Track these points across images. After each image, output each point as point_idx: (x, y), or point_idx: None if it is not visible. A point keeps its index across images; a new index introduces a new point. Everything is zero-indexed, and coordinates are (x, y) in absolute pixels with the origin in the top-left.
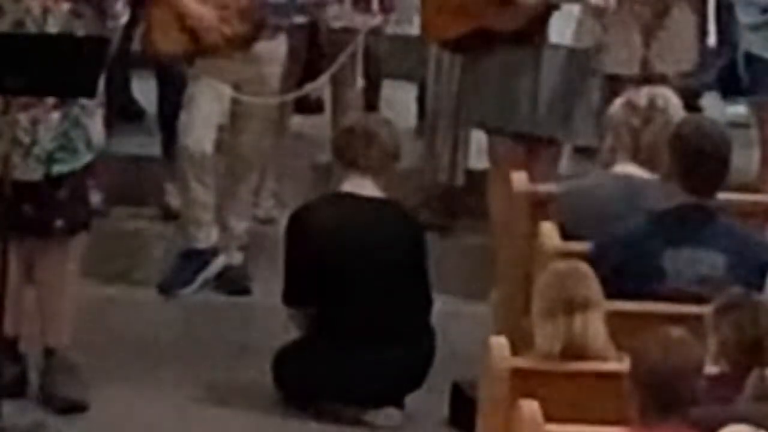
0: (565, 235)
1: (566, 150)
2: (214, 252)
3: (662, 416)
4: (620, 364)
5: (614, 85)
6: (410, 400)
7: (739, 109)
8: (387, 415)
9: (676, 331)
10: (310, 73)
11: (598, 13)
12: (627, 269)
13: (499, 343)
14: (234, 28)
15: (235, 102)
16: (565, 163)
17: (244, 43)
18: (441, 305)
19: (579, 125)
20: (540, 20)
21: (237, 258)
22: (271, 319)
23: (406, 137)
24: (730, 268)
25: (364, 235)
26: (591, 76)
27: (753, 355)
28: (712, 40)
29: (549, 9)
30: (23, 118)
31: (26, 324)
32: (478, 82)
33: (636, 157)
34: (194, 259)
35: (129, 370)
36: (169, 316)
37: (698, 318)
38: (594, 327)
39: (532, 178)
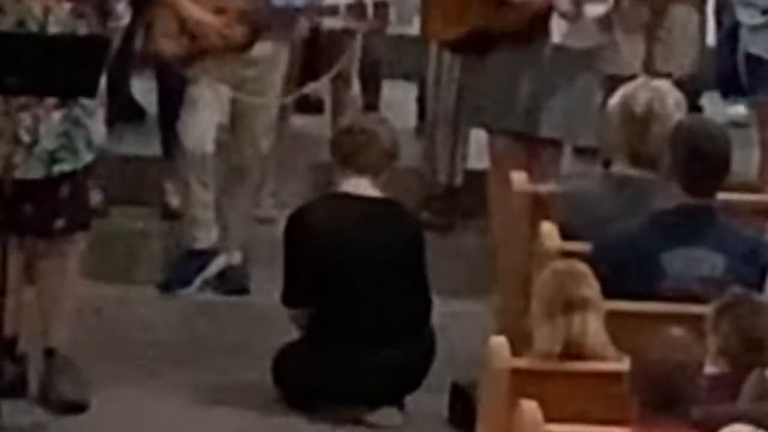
0: (565, 235)
1: (567, 150)
2: (214, 252)
3: (662, 416)
4: (620, 364)
5: (615, 85)
6: (410, 400)
7: (739, 109)
8: (387, 415)
9: (676, 331)
10: (310, 73)
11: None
12: (627, 269)
13: (499, 343)
14: (233, 30)
15: (235, 102)
16: (565, 163)
17: (244, 45)
18: (441, 305)
19: (579, 125)
20: (541, 20)
21: (237, 258)
22: (271, 319)
23: (406, 137)
24: (730, 268)
25: (364, 235)
26: (592, 76)
27: (753, 354)
28: (712, 40)
29: (550, 9)
30: (25, 117)
31: (26, 324)
32: (479, 82)
33: (635, 159)
34: (194, 259)
35: (129, 370)
36: (169, 316)
37: (698, 318)
38: (593, 327)
39: (533, 178)
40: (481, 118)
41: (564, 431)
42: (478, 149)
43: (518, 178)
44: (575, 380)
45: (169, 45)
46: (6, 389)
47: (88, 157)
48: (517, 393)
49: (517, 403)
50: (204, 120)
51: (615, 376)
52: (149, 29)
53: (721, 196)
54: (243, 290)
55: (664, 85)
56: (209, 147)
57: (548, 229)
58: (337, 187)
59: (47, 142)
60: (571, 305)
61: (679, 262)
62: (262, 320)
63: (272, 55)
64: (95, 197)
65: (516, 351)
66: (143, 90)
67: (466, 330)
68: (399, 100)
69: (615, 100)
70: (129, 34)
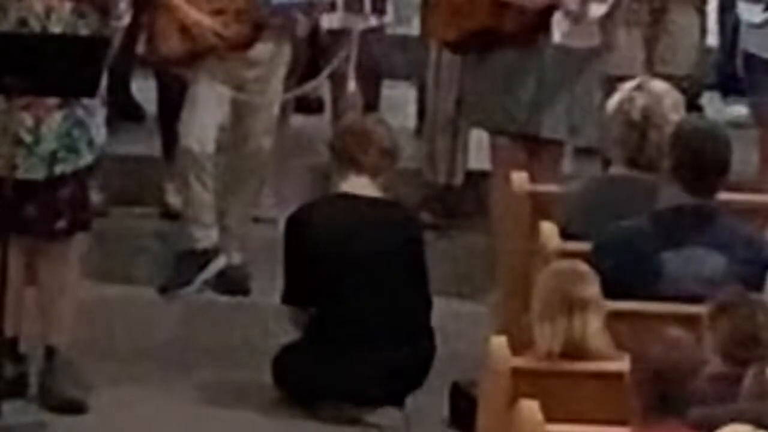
0: (565, 235)
1: (568, 150)
2: (214, 252)
3: (662, 416)
4: (620, 364)
5: (616, 85)
6: (410, 400)
7: (739, 109)
8: (387, 415)
9: (676, 331)
10: (310, 73)
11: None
12: (627, 269)
13: (499, 343)
14: (231, 30)
15: (235, 102)
16: (566, 164)
17: (243, 44)
18: (441, 305)
19: (581, 126)
20: (542, 20)
21: (237, 258)
22: (271, 319)
23: (405, 137)
24: (730, 268)
25: (363, 235)
26: (592, 77)
27: (749, 351)
28: (712, 40)
29: (551, 9)
30: (26, 117)
31: (26, 324)
32: (479, 82)
33: (633, 164)
34: (194, 259)
35: (129, 370)
36: (169, 316)
37: (698, 318)
38: (593, 327)
39: (534, 179)
40: (482, 119)
41: (564, 431)
42: (478, 149)
43: (518, 178)
44: (575, 380)
45: (170, 48)
46: (6, 389)
47: (89, 157)
48: (517, 393)
49: (517, 403)
50: (204, 120)
51: (615, 376)
52: (150, 30)
53: (721, 196)
54: (243, 290)
55: (661, 87)
56: (209, 147)
57: (548, 229)
58: (336, 188)
59: (49, 143)
60: (572, 305)
61: (679, 262)
62: (262, 320)
63: (273, 56)
64: (95, 197)
65: (516, 351)
66: (143, 90)
67: (466, 330)
68: (399, 100)
69: (613, 105)
70: (130, 34)
